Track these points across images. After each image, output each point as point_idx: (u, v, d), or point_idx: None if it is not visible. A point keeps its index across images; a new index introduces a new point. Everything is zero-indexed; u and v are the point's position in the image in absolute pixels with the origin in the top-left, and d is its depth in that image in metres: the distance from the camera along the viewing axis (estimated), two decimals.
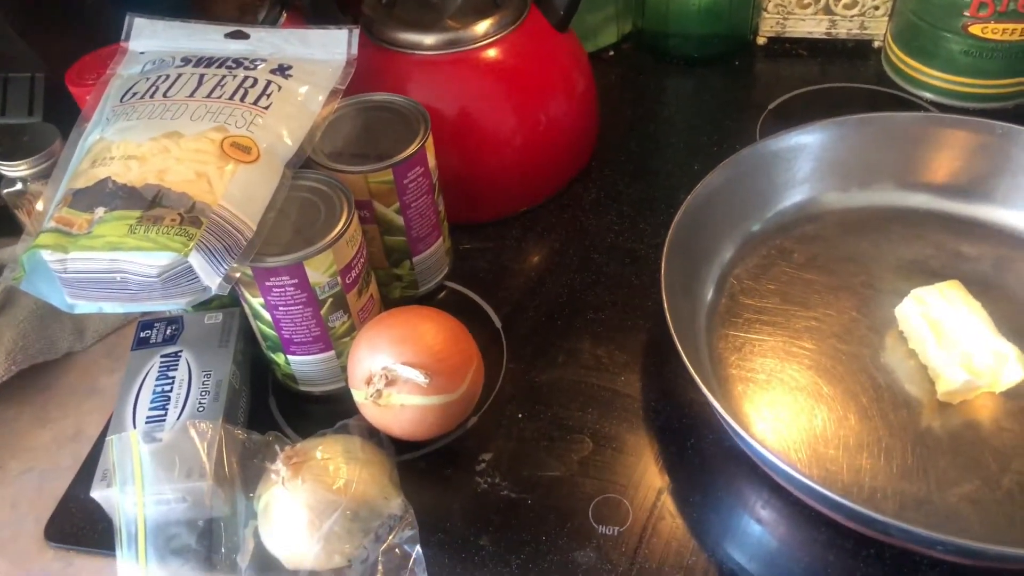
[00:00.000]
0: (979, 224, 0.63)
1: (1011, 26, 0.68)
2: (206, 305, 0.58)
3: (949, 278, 0.57)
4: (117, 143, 0.50)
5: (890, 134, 0.63)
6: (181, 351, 0.55)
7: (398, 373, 0.49)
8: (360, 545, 0.47)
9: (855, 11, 0.80)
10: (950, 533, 0.45)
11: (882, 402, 0.54)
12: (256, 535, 0.49)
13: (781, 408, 0.54)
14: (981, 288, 0.57)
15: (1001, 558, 0.43)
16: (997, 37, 0.69)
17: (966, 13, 0.69)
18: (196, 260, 0.45)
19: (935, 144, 0.63)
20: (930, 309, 0.55)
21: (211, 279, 0.46)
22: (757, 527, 0.50)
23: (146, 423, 0.51)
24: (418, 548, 0.47)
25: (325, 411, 0.55)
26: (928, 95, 0.76)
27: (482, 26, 0.63)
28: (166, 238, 0.45)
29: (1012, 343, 0.53)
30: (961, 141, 0.62)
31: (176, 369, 0.54)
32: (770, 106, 0.77)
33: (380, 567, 0.47)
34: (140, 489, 0.48)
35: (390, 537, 0.48)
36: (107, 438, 0.50)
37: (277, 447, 0.50)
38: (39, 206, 0.51)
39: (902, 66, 0.77)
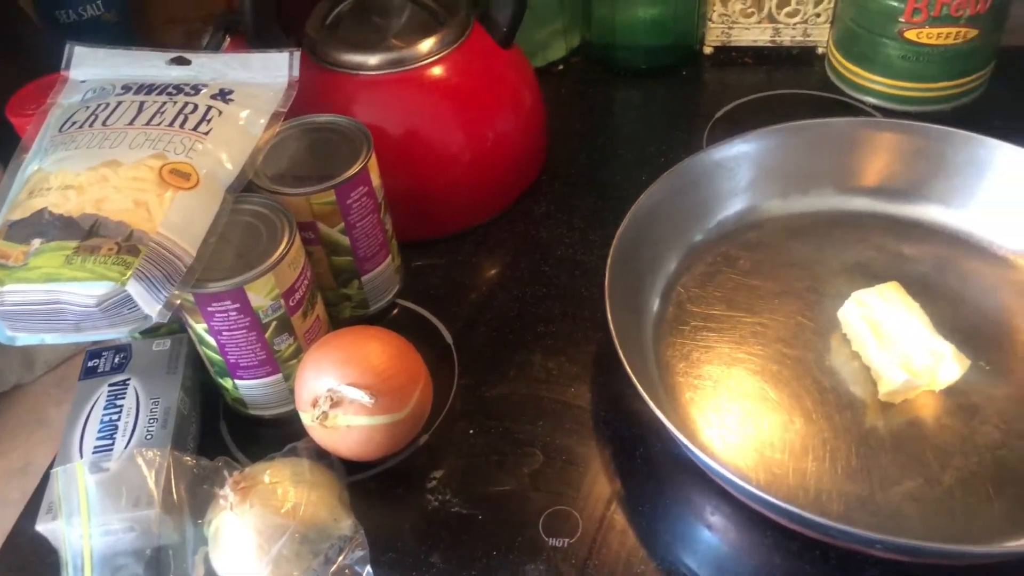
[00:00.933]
0: (919, 225, 0.64)
1: (945, 30, 0.70)
2: (154, 332, 0.58)
3: (891, 280, 0.58)
4: (55, 173, 0.50)
5: (827, 140, 0.64)
6: (129, 379, 0.55)
7: (343, 394, 0.49)
8: (309, 568, 0.47)
9: (797, 19, 0.81)
10: (892, 532, 0.47)
11: (827, 404, 0.55)
12: (207, 561, 0.49)
13: (728, 414, 0.55)
14: (921, 288, 0.58)
15: (938, 554, 0.44)
16: (932, 41, 0.71)
17: (901, 19, 0.71)
18: (134, 288, 0.45)
19: (872, 148, 0.64)
20: (870, 311, 0.56)
21: (151, 307, 0.46)
22: (706, 533, 0.51)
23: (93, 453, 0.51)
24: (368, 568, 0.47)
25: (276, 434, 0.55)
26: (871, 100, 0.77)
27: (426, 44, 0.63)
28: (103, 268, 0.45)
29: (950, 342, 0.54)
30: (897, 144, 0.63)
31: (124, 397, 0.54)
32: (717, 115, 0.78)
33: None
34: (86, 520, 0.48)
35: (340, 559, 0.48)
36: (52, 470, 0.50)
37: (226, 472, 0.50)
38: None
39: (845, 72, 0.78)
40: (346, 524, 0.49)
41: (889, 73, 0.74)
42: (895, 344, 0.54)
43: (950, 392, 0.54)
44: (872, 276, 0.60)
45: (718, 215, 0.64)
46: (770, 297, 0.61)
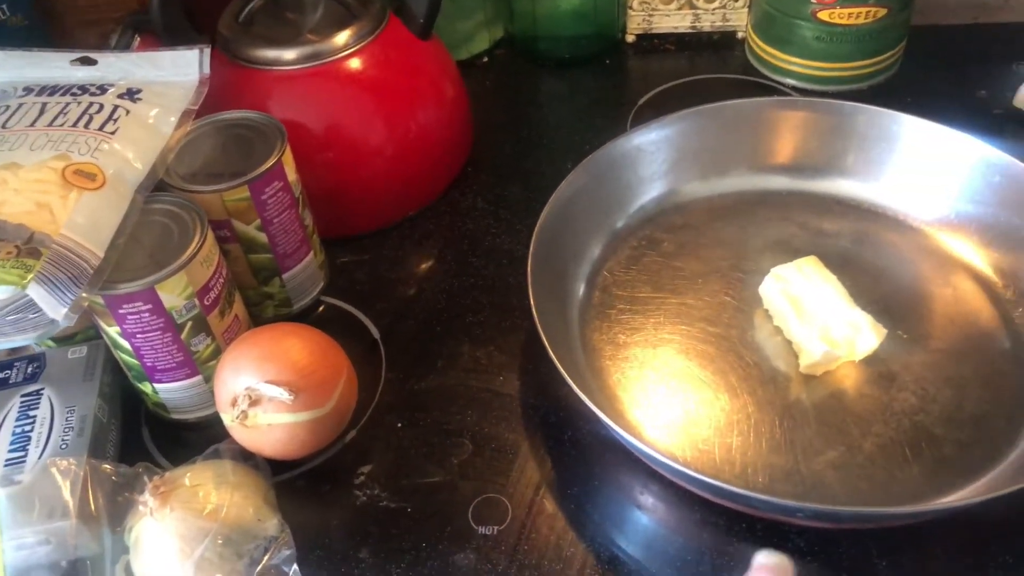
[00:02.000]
0: (838, 200, 0.65)
1: (856, 10, 0.71)
2: (69, 340, 0.57)
3: (812, 254, 0.59)
4: None
5: (743, 120, 0.65)
6: (43, 388, 0.53)
7: (262, 392, 0.48)
8: (234, 570, 0.46)
9: (716, 4, 0.82)
10: (815, 500, 0.47)
11: (751, 380, 0.55)
12: (128, 570, 0.47)
13: (655, 394, 0.55)
14: (841, 262, 0.59)
15: (856, 518, 0.45)
16: (844, 22, 0.72)
17: (814, 0, 0.72)
18: (36, 292, 0.44)
19: (788, 127, 0.65)
20: (789, 286, 0.57)
21: (55, 311, 0.45)
22: (636, 512, 0.51)
23: (4, 466, 0.49)
24: (295, 567, 0.47)
25: (201, 438, 0.54)
26: (790, 81, 0.79)
27: (341, 37, 0.63)
28: (2, 272, 0.43)
29: (869, 313, 0.55)
30: (811, 122, 0.64)
31: (38, 408, 0.52)
32: (640, 101, 0.79)
33: None
34: None
35: (265, 559, 0.47)
36: None
37: (146, 478, 0.49)
38: None
39: (764, 55, 0.79)
40: (272, 524, 0.48)
41: (805, 54, 0.76)
42: (814, 317, 0.55)
43: (869, 362, 0.55)
44: (794, 252, 0.61)
45: (640, 199, 0.64)
46: (694, 277, 0.61)
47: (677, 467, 0.45)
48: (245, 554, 0.47)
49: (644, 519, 0.51)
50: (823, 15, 0.72)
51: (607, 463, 0.53)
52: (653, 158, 0.64)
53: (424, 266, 0.67)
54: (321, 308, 0.63)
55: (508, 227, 0.68)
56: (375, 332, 0.61)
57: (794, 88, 0.78)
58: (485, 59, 0.85)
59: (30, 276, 0.44)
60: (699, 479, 0.44)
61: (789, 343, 0.56)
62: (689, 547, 0.49)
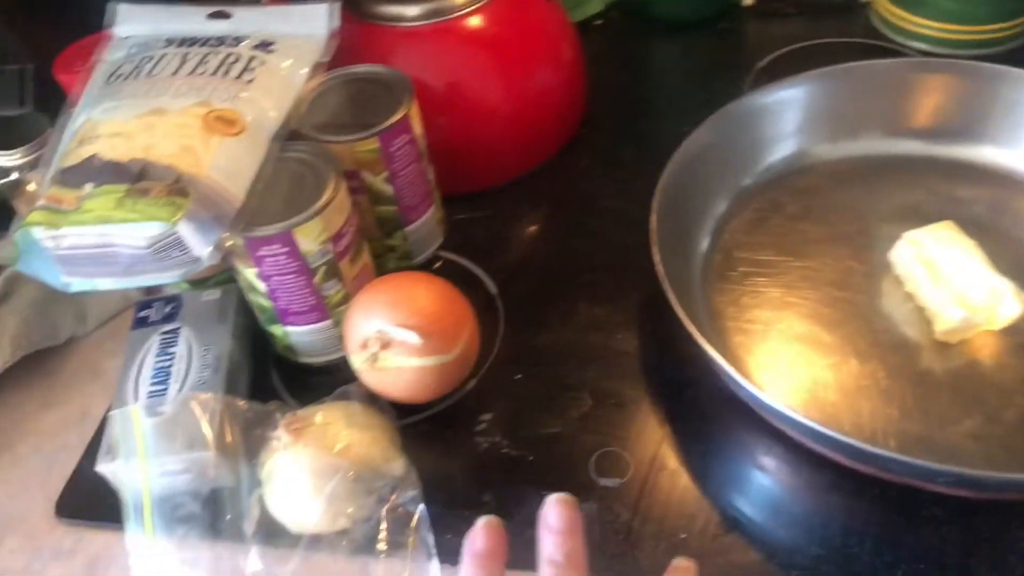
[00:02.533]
0: (972, 167, 0.62)
1: None
2: (203, 283, 0.59)
3: (941, 222, 0.57)
4: (103, 122, 0.50)
5: (875, 82, 0.63)
6: (180, 328, 0.56)
7: (392, 335, 0.49)
8: (363, 506, 0.48)
9: None
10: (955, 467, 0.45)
11: (880, 346, 0.54)
12: (261, 502, 0.49)
13: (779, 357, 0.54)
14: (976, 229, 0.57)
15: (1003, 486, 0.43)
16: None
17: None
18: (185, 229, 0.45)
19: (922, 89, 0.62)
20: (924, 250, 0.55)
21: (201, 248, 0.46)
22: (758, 474, 0.50)
23: (148, 397, 0.51)
24: (422, 506, 0.48)
25: (327, 381, 0.55)
26: (920, 45, 0.75)
27: None
28: (154, 209, 0.45)
29: (1008, 279, 0.53)
30: (947, 85, 0.62)
31: (176, 345, 0.55)
32: (758, 65, 0.77)
33: (385, 527, 0.47)
34: (144, 462, 0.49)
35: (393, 497, 0.48)
36: (110, 413, 0.50)
37: (278, 415, 0.51)
38: (31, 188, 0.52)
39: (891, 18, 0.76)
40: (398, 464, 0.49)
41: (938, 16, 0.72)
42: (951, 283, 0.53)
43: (1009, 331, 0.53)
44: (924, 219, 0.58)
45: (766, 160, 0.63)
46: (819, 242, 0.60)
47: (814, 426, 0.44)
48: (373, 492, 0.48)
49: (767, 481, 0.50)
50: None
51: (729, 424, 0.52)
52: (778, 118, 0.63)
53: (539, 225, 0.67)
54: (439, 263, 0.64)
55: (623, 188, 0.68)
56: (492, 287, 0.62)
57: (924, 53, 0.75)
58: (599, 21, 0.84)
59: (180, 214, 0.45)
60: (839, 439, 0.43)
61: (921, 310, 0.55)
62: (817, 511, 0.48)
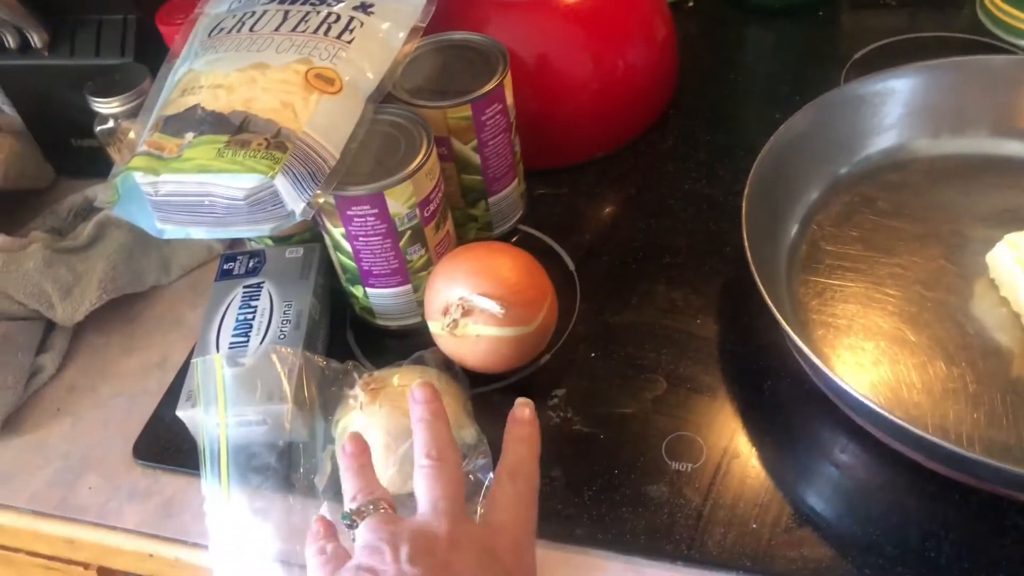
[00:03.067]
0: None
1: None
2: (287, 240, 0.60)
3: None
4: (206, 74, 0.51)
5: (986, 79, 0.60)
6: (263, 282, 0.57)
7: (475, 303, 0.49)
8: None
9: None
10: None
11: (970, 350, 0.52)
12: (334, 459, 0.50)
13: (862, 353, 0.53)
14: None
15: None
16: None
17: None
18: (282, 183, 0.46)
19: None
20: None
21: (295, 204, 0.47)
22: (834, 470, 0.49)
23: (229, 348, 0.52)
24: (491, 475, 0.48)
25: (401, 345, 0.56)
26: None
27: None
28: (253, 161, 0.46)
29: None
30: None
31: (258, 299, 0.55)
32: (855, 57, 0.75)
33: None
34: (223, 410, 0.50)
35: (464, 464, 0.48)
36: (192, 360, 0.52)
37: (355, 375, 0.51)
38: (131, 135, 0.53)
39: (999, 14, 0.73)
40: (470, 432, 0.49)
41: None
42: None
43: None
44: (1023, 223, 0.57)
45: (861, 152, 0.61)
46: (910, 239, 0.58)
47: (902, 424, 0.43)
48: None
49: (843, 477, 0.49)
50: None
51: (807, 417, 0.51)
52: (877, 110, 0.61)
53: (620, 204, 0.66)
54: (517, 236, 0.64)
55: (709, 172, 0.67)
56: (570, 264, 0.61)
57: None
58: (692, 3, 0.83)
59: (278, 167, 0.46)
60: (927, 439, 0.42)
61: (1018, 316, 0.53)
62: (893, 511, 0.47)
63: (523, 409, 0.46)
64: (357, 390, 0.49)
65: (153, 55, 0.61)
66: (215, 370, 0.51)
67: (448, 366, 0.53)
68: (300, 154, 0.47)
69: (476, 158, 0.57)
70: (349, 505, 0.41)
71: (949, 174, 0.61)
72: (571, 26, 0.64)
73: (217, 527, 0.49)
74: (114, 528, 0.52)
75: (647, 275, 0.60)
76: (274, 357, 0.51)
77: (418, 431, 0.43)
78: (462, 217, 0.60)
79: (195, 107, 0.49)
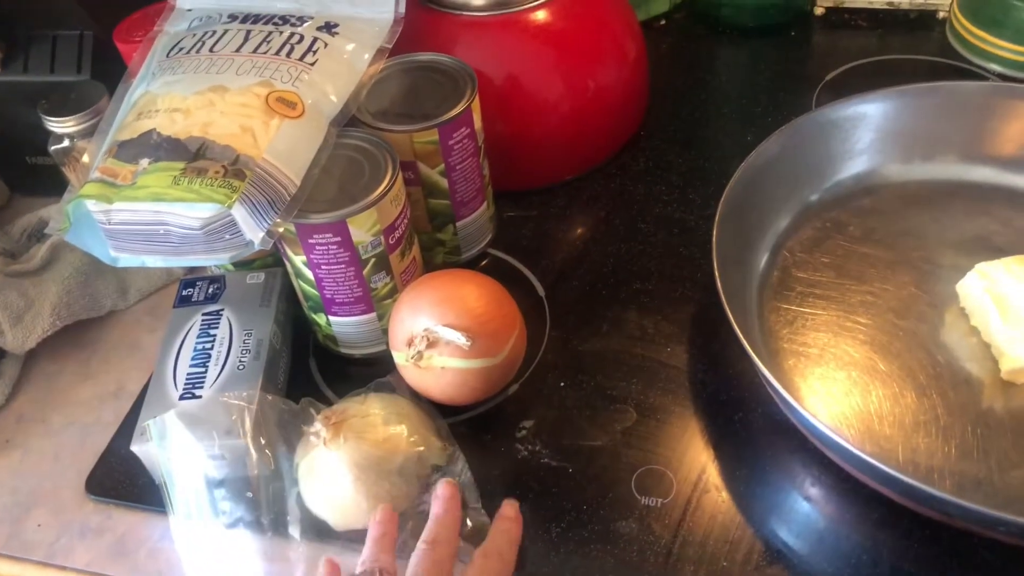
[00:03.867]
0: None
1: None
2: (248, 265, 0.58)
3: (1014, 254, 0.54)
4: (162, 96, 0.50)
5: (956, 105, 0.60)
6: (223, 309, 0.55)
7: (440, 335, 0.48)
8: (411, 496, 0.47)
9: None
10: (1008, 514, 0.44)
11: (941, 380, 0.51)
12: (300, 501, 0.48)
13: (833, 383, 0.52)
14: None
15: None
16: None
17: None
18: (239, 212, 0.45)
19: (1004, 116, 0.60)
20: (995, 284, 0.52)
21: (254, 233, 0.45)
22: (805, 504, 0.48)
23: (186, 381, 0.51)
24: (476, 493, 0.47)
25: (366, 373, 0.54)
26: (996, 67, 0.73)
27: None
28: (210, 190, 0.44)
29: None
30: None
31: (217, 328, 0.54)
32: (827, 78, 0.74)
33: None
34: (178, 446, 0.48)
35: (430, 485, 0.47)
36: (143, 424, 0.49)
37: (313, 411, 0.49)
38: (84, 159, 0.51)
39: (968, 36, 0.73)
40: (443, 453, 0.48)
41: (1020, 38, 0.70)
42: (1022, 320, 0.51)
43: None
44: (994, 251, 0.56)
45: (832, 177, 0.61)
46: (881, 266, 0.58)
47: (871, 461, 0.42)
48: (421, 480, 0.47)
49: (814, 512, 0.48)
50: None
51: (779, 450, 0.50)
52: (849, 135, 0.60)
53: (591, 228, 0.65)
54: (486, 260, 0.63)
55: (680, 195, 0.66)
56: (540, 289, 0.60)
57: (999, 75, 0.73)
58: (663, 22, 0.82)
59: (235, 196, 0.44)
60: (896, 477, 0.41)
61: (987, 345, 0.52)
62: (864, 547, 0.46)
63: (508, 508, 0.47)
64: (318, 426, 0.47)
65: (112, 72, 0.59)
66: (167, 427, 0.49)
67: (412, 392, 0.51)
68: (259, 182, 0.45)
69: (443, 182, 0.56)
70: (358, 569, 0.43)
71: (920, 200, 0.61)
72: (541, 46, 0.63)
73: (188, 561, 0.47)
74: (64, 568, 0.50)
75: (618, 301, 0.59)
76: (228, 397, 0.49)
77: (429, 522, 0.44)
78: (429, 241, 0.59)
79: (151, 132, 0.47)
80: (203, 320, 0.54)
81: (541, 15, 0.62)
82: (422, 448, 0.47)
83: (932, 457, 0.48)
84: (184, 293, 0.56)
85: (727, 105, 0.74)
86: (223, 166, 0.45)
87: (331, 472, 0.46)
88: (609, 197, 0.67)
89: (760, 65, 0.78)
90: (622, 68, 0.68)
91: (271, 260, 0.58)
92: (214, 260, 0.49)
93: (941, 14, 0.78)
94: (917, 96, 0.60)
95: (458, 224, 0.59)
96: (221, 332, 0.54)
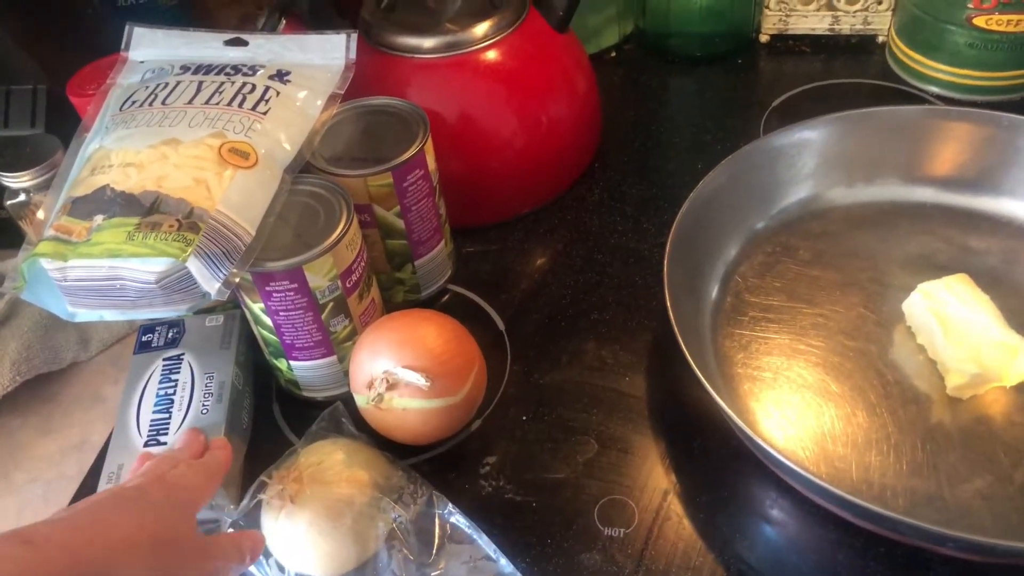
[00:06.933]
0: (987, 217, 0.62)
1: (1016, 17, 0.68)
2: (208, 310, 0.58)
3: (957, 272, 0.56)
4: (116, 151, 0.50)
5: (894, 128, 0.62)
6: (183, 354, 0.55)
7: (399, 376, 0.48)
8: (388, 523, 0.47)
9: (858, 6, 0.79)
10: (961, 529, 0.45)
11: (891, 398, 0.53)
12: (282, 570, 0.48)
13: (788, 406, 0.53)
14: (990, 281, 0.56)
15: (1012, 553, 0.43)
16: (1002, 28, 0.68)
17: (970, 5, 0.68)
18: (194, 265, 0.45)
19: (940, 137, 0.62)
20: (938, 303, 0.54)
21: (210, 284, 0.46)
22: (765, 527, 0.49)
23: (150, 427, 0.51)
24: (450, 506, 0.48)
25: None
26: (934, 89, 0.75)
27: (481, 28, 0.63)
28: (164, 244, 0.45)
29: (1022, 336, 0.52)
30: (966, 134, 0.61)
31: (179, 372, 0.54)
32: (774, 104, 0.77)
33: (414, 533, 0.48)
34: None
35: (414, 507, 0.48)
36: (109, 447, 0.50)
37: (264, 479, 0.49)
38: (40, 215, 0.51)
39: (907, 60, 0.76)
40: (399, 476, 0.49)
41: (955, 61, 0.72)
42: (964, 338, 0.52)
43: (1022, 388, 0.52)
44: (938, 268, 0.58)
45: (780, 203, 0.62)
46: (831, 288, 0.59)
47: (822, 484, 0.43)
48: (394, 506, 0.47)
49: (775, 535, 0.49)
50: (979, 21, 0.69)
51: (737, 474, 0.51)
52: (794, 161, 0.62)
53: (549, 260, 0.66)
54: (447, 296, 0.63)
55: (635, 225, 0.67)
56: (500, 323, 0.61)
57: (938, 96, 0.75)
58: (613, 54, 0.84)
59: (190, 250, 0.45)
60: (846, 499, 0.42)
61: (933, 363, 0.54)
62: (823, 567, 0.47)
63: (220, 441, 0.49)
64: (276, 488, 0.47)
65: (66, 125, 0.59)
66: (134, 452, 0.49)
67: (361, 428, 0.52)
68: (213, 234, 0.46)
69: (400, 223, 0.57)
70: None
71: (866, 221, 0.63)
72: (492, 85, 0.64)
73: None
74: None
75: (577, 332, 0.60)
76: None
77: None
78: (388, 281, 0.60)
79: (104, 187, 0.48)
80: (164, 365, 0.54)
81: (492, 55, 0.63)
82: (381, 478, 0.48)
83: (884, 475, 0.50)
84: (144, 339, 0.56)
85: (677, 134, 0.76)
86: (177, 220, 0.46)
87: (305, 528, 0.45)
88: (566, 229, 0.68)
89: (709, 93, 0.80)
90: (573, 102, 0.69)
91: (231, 304, 0.58)
92: (172, 312, 0.49)
93: (880, 39, 0.81)
94: (856, 121, 0.62)
95: (416, 263, 0.60)
96: (183, 376, 0.54)
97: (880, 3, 0.78)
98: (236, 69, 0.56)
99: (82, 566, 0.35)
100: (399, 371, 0.48)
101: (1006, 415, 0.52)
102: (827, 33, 0.82)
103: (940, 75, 0.74)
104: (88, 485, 0.54)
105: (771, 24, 0.82)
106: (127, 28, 0.59)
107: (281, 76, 0.56)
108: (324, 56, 0.57)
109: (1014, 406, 0.52)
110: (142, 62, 0.58)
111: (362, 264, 0.52)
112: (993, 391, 0.52)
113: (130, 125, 0.52)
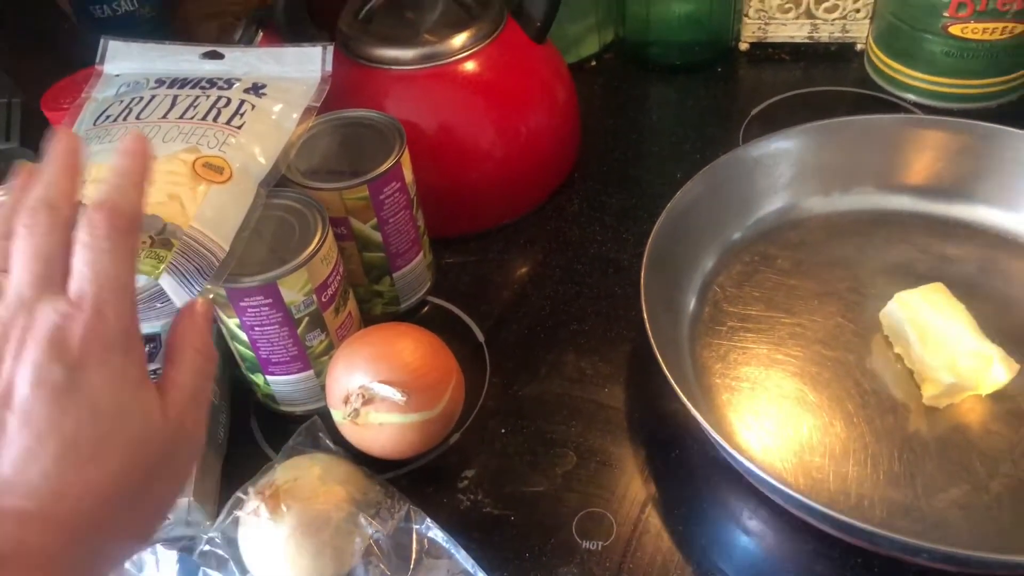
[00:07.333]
0: (963, 225, 0.62)
1: (991, 25, 0.68)
2: None
3: (934, 280, 0.56)
4: (91, 167, 0.49)
5: (870, 137, 0.62)
6: (159, 369, 0.54)
7: (375, 391, 0.48)
8: (366, 538, 0.47)
9: (836, 14, 0.79)
10: (937, 540, 0.45)
11: (868, 408, 0.53)
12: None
13: (766, 417, 0.53)
14: (966, 290, 0.56)
15: (987, 565, 0.43)
16: (977, 37, 0.69)
17: (945, 14, 0.69)
18: (167, 283, 0.45)
19: (916, 146, 0.62)
20: (914, 313, 0.54)
21: (183, 301, 0.45)
22: (744, 538, 0.50)
23: None
24: (427, 521, 0.48)
25: None
26: (912, 97, 0.76)
27: (459, 39, 0.63)
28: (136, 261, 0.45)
29: (997, 345, 0.52)
30: (942, 142, 0.62)
31: None
32: (753, 112, 0.77)
33: (391, 549, 0.48)
34: None
35: (392, 522, 0.48)
36: None
37: (241, 496, 0.49)
38: None
39: (885, 68, 0.76)
40: (379, 491, 0.49)
41: (931, 69, 0.73)
42: (940, 347, 0.52)
43: (997, 397, 0.52)
44: (915, 277, 0.58)
45: (758, 212, 0.63)
46: (809, 297, 0.59)
47: (796, 496, 0.43)
48: (372, 521, 0.47)
49: (753, 546, 0.49)
50: (955, 29, 0.69)
51: (715, 485, 0.51)
52: (771, 171, 0.62)
53: (528, 271, 0.66)
54: (426, 308, 0.63)
55: (614, 235, 0.67)
56: (479, 335, 0.61)
57: (915, 104, 0.75)
58: (593, 63, 0.84)
59: (162, 267, 0.45)
60: (821, 511, 0.43)
61: (911, 372, 0.54)
62: None
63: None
64: (253, 504, 0.47)
65: (41, 140, 0.58)
66: None
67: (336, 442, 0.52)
68: (186, 250, 0.46)
69: (377, 236, 0.57)
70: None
71: (844, 230, 0.63)
72: (471, 96, 0.64)
73: None
74: None
75: (556, 343, 0.60)
76: None
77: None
78: (366, 294, 0.60)
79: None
80: None
81: (470, 66, 0.63)
82: (358, 492, 0.47)
83: (862, 485, 0.50)
84: None
85: (657, 143, 0.76)
86: (150, 236, 0.46)
87: (285, 545, 0.45)
88: (546, 239, 0.68)
89: (689, 102, 0.80)
90: (553, 112, 0.69)
91: None
92: (147, 329, 0.49)
93: (859, 46, 0.81)
94: (832, 131, 0.62)
95: (395, 275, 0.59)
96: None
97: (858, 11, 0.79)
98: (211, 83, 0.56)
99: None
100: (375, 386, 0.48)
101: (982, 424, 0.52)
102: (806, 41, 0.82)
103: (918, 83, 0.74)
104: None
105: (750, 32, 0.82)
106: (102, 41, 0.58)
107: (257, 89, 0.55)
108: (300, 69, 0.57)
109: (990, 415, 0.52)
110: (117, 75, 0.58)
111: (338, 278, 0.52)
112: (969, 400, 0.52)
113: (104, 140, 0.51)
